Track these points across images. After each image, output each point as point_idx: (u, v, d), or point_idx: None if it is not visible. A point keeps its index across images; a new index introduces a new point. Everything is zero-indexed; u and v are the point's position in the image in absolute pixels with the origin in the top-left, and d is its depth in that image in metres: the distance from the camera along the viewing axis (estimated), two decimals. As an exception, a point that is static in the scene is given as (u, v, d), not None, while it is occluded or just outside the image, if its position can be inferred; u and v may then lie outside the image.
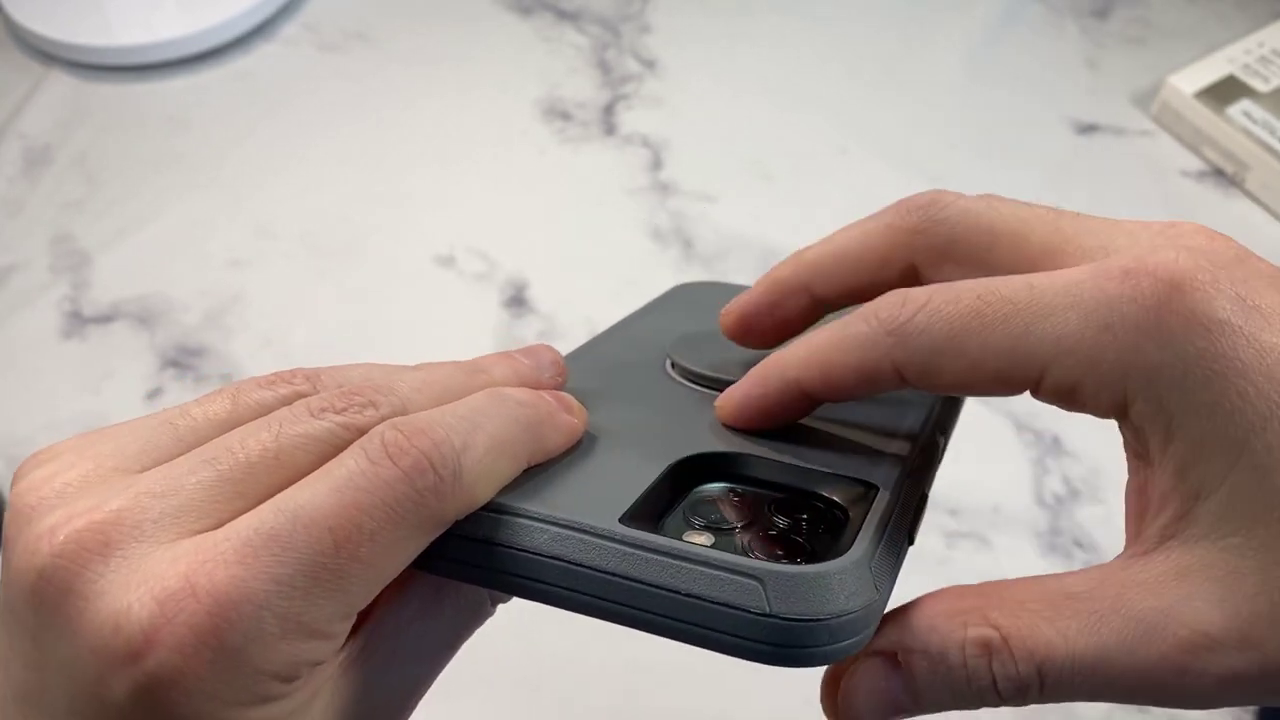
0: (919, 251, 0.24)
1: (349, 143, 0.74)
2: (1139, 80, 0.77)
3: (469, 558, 0.21)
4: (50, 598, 0.18)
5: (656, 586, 0.19)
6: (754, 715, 0.49)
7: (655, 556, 0.20)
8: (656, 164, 0.72)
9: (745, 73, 0.78)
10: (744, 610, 0.19)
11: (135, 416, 0.22)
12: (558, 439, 0.23)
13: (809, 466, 0.23)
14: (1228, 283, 0.20)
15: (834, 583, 0.19)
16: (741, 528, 0.22)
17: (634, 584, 0.20)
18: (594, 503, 0.21)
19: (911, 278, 0.24)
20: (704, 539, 0.21)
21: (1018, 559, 0.54)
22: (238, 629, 0.18)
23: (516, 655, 0.50)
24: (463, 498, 0.20)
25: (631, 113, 0.76)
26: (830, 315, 0.26)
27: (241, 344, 0.63)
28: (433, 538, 0.20)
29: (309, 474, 0.20)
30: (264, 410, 0.22)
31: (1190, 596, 0.19)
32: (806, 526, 0.22)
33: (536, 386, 0.24)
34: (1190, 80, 0.73)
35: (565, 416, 0.23)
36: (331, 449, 0.20)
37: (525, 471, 0.22)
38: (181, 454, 0.20)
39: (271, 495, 0.19)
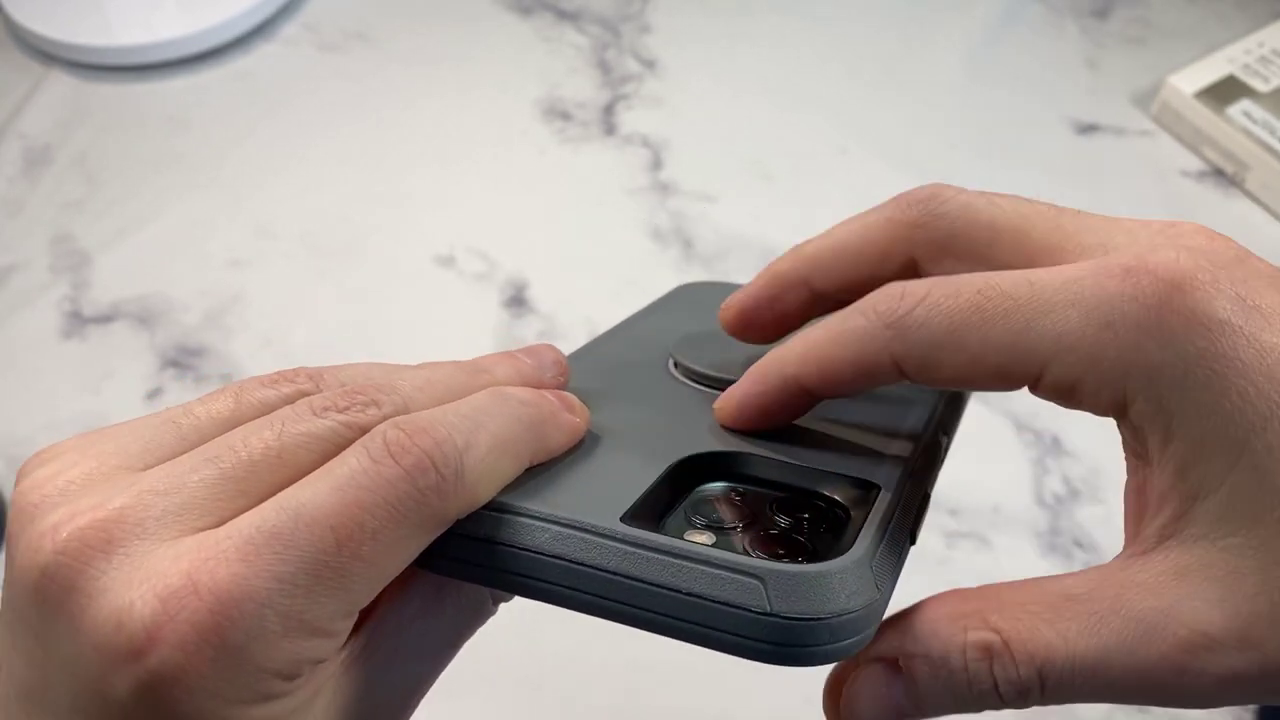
0: (919, 246, 0.24)
1: (349, 143, 0.74)
2: (1139, 80, 0.77)
3: (471, 556, 0.21)
4: (53, 595, 0.18)
5: (658, 585, 0.19)
6: (755, 714, 0.49)
7: (656, 555, 0.20)
8: (656, 164, 0.72)
9: (745, 73, 0.78)
10: (745, 609, 0.19)
11: (135, 416, 0.22)
12: (560, 438, 0.23)
13: (810, 466, 0.23)
14: (1228, 283, 0.20)
15: (835, 582, 0.19)
16: (743, 527, 0.22)
17: (635, 583, 0.20)
18: (595, 502, 0.21)
19: (911, 272, 0.24)
20: (705, 538, 0.21)
21: (1018, 559, 0.54)
22: (240, 627, 0.18)
23: (518, 654, 0.50)
24: (464, 496, 0.20)
25: (631, 113, 0.76)
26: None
27: (241, 344, 0.63)
28: (434, 536, 0.20)
29: (311, 472, 0.20)
30: (267, 409, 0.22)
31: (1190, 596, 0.19)
32: (808, 526, 0.22)
33: (539, 386, 0.24)
34: (1190, 80, 0.73)
35: (567, 416, 0.23)
36: (334, 448, 0.20)
37: (527, 470, 0.22)
38: (184, 452, 0.21)
39: (274, 493, 0.19)
